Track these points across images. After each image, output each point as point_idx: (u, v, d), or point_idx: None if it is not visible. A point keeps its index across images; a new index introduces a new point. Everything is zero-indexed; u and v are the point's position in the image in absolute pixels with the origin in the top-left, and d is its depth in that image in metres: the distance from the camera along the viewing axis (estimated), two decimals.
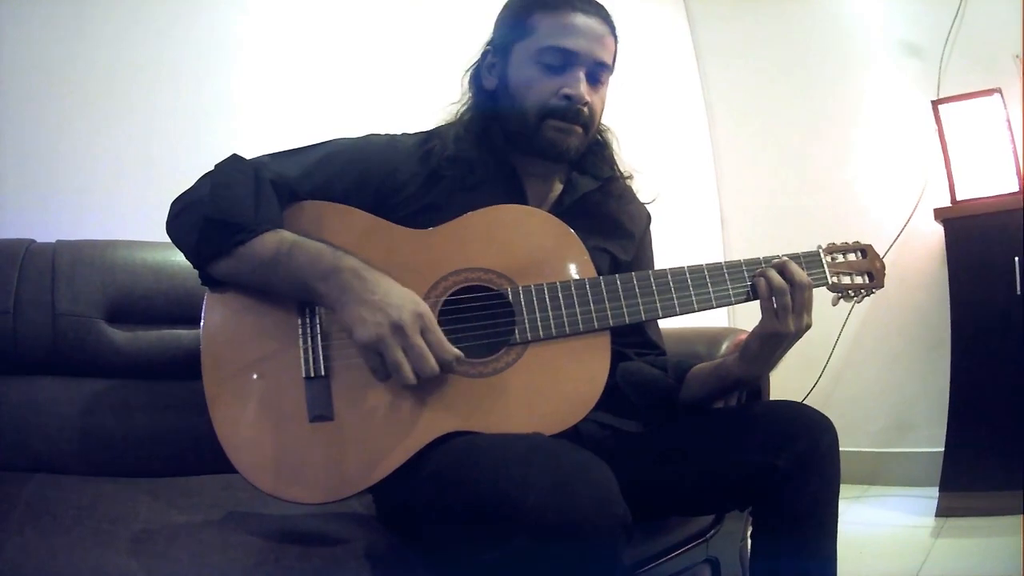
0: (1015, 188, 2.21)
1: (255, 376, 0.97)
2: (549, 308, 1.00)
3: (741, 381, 1.12)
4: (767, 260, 1.07)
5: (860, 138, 2.69)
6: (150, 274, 1.31)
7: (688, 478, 1.09)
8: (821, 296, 1.13)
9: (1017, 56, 2.37)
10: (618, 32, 1.16)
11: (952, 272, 2.23)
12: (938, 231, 2.33)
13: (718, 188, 3.04)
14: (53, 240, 1.31)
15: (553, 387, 0.99)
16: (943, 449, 2.19)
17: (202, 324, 0.99)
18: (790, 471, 1.01)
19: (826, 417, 1.08)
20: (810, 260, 1.11)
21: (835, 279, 1.13)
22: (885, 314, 2.60)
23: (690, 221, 2.86)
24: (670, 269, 1.06)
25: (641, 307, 1.03)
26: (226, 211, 0.98)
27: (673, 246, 1.50)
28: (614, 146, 1.25)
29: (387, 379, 0.92)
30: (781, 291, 1.03)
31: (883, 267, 1.18)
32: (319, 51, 1.90)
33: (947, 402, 2.21)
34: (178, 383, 1.28)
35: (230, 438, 0.95)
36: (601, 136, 1.23)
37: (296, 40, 1.86)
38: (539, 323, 1.00)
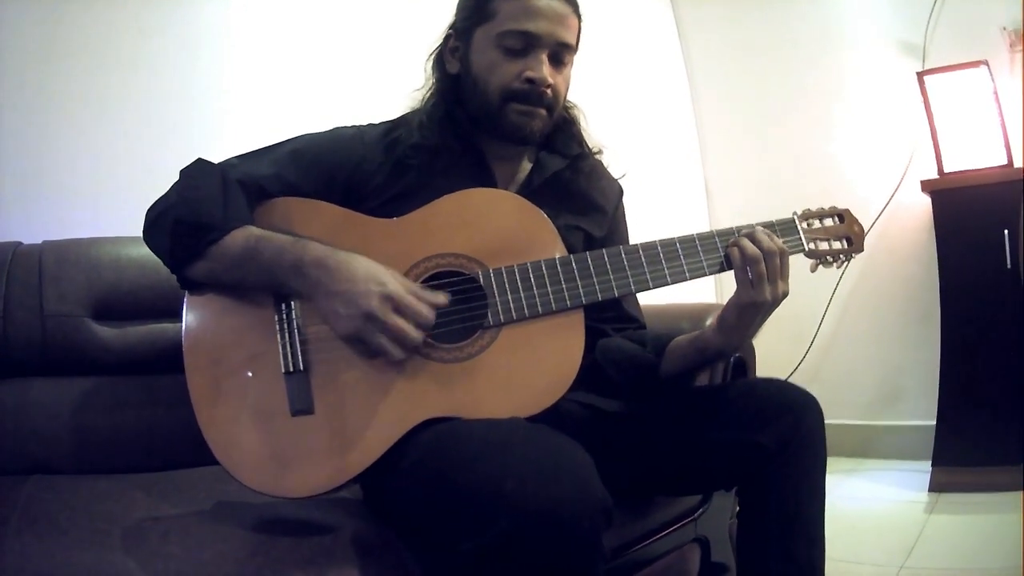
0: (1003, 160, 2.20)
1: (236, 375, 0.99)
2: (521, 289, 1.01)
3: (721, 352, 1.11)
4: (740, 230, 1.07)
5: (846, 111, 2.68)
6: (135, 269, 1.32)
7: (672, 457, 1.10)
8: (804, 267, 1.13)
9: (1004, 28, 2.36)
10: (581, 10, 1.15)
11: (940, 244, 2.24)
12: (925, 203, 2.32)
13: (703, 163, 3.02)
14: (40, 241, 1.32)
15: (529, 368, 1.00)
16: (935, 422, 2.20)
17: (183, 328, 1.01)
18: (773, 449, 1.02)
19: (809, 394, 1.09)
20: (785, 227, 1.11)
21: (812, 245, 1.13)
22: (873, 286, 2.61)
23: (676, 197, 2.86)
24: (641, 244, 1.06)
25: (614, 283, 1.03)
26: (195, 213, 0.99)
27: (659, 222, 1.50)
28: (581, 122, 1.24)
29: (374, 358, 0.95)
30: (755, 259, 1.02)
31: (862, 231, 1.18)
32: (305, 48, 1.89)
33: (937, 375, 2.22)
34: (167, 377, 1.28)
35: (217, 438, 0.97)
36: (568, 113, 1.23)
37: (282, 37, 1.86)
38: (511, 305, 1.00)
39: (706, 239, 1.07)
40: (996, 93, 2.24)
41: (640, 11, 2.90)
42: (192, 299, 1.02)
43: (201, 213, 0.99)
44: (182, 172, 1.07)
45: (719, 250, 1.07)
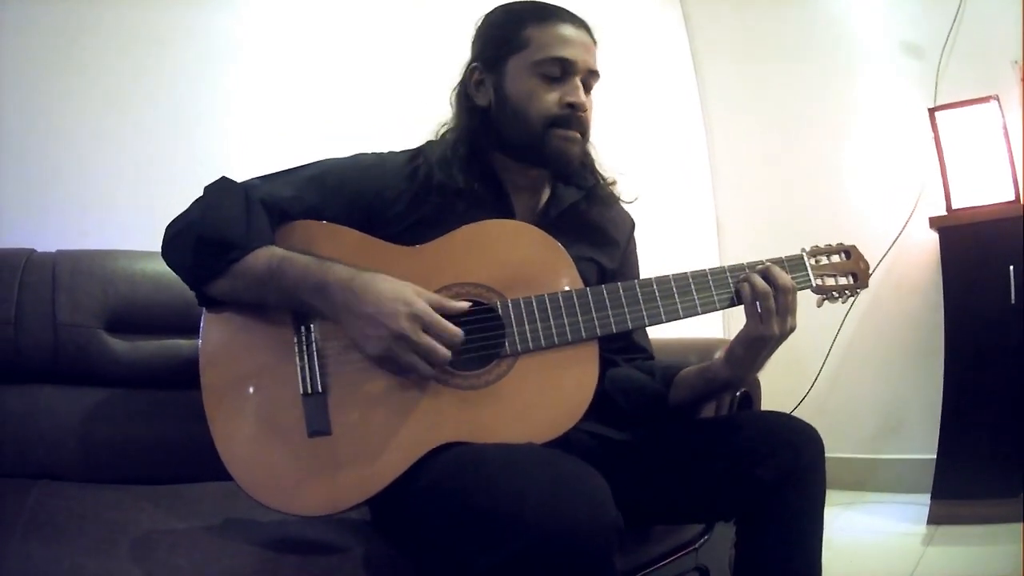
0: (1011, 197, 2.20)
1: (253, 393, 1.00)
2: (538, 320, 1.03)
3: (728, 383, 1.13)
4: (751, 265, 1.09)
5: (856, 145, 2.69)
6: (149, 284, 1.33)
7: (674, 488, 1.11)
8: (810, 301, 1.15)
9: (1016, 62, 2.37)
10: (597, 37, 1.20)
11: (946, 280, 2.23)
12: (933, 239, 2.33)
13: (714, 194, 3.04)
14: (53, 249, 1.33)
15: (544, 396, 1.01)
16: (935, 456, 2.20)
17: (200, 344, 1.02)
18: (774, 483, 1.03)
19: (811, 428, 1.10)
20: (794, 264, 1.13)
21: (819, 281, 1.14)
22: (879, 321, 2.61)
23: (686, 227, 2.87)
24: (656, 278, 1.08)
25: (628, 316, 1.05)
26: (218, 231, 1.00)
27: (670, 253, 1.52)
28: (593, 153, 1.26)
29: (406, 375, 0.98)
30: (765, 295, 1.04)
31: (867, 267, 1.19)
32: (318, 61, 1.91)
33: (940, 410, 2.21)
34: (177, 392, 1.29)
35: (232, 455, 0.98)
36: None
37: (295, 50, 1.88)
38: (528, 335, 1.02)
39: (717, 274, 1.09)
40: (1005, 128, 2.24)
41: (654, 39, 2.93)
42: (210, 316, 1.03)
43: (224, 231, 1.00)
44: (205, 189, 1.08)
45: (730, 285, 1.08)
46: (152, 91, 1.62)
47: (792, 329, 1.06)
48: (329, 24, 1.95)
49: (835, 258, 1.18)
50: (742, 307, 1.08)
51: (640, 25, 2.87)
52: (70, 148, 1.49)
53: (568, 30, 1.13)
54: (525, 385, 1.01)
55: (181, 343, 1.33)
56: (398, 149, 1.21)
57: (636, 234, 1.34)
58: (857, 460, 2.60)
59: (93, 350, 1.28)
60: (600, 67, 1.18)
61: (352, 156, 1.18)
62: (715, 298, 1.08)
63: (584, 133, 1.15)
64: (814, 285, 1.14)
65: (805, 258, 1.14)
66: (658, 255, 1.46)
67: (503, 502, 0.82)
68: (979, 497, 2.09)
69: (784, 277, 1.06)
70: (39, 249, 1.32)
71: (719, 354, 1.43)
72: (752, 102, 2.92)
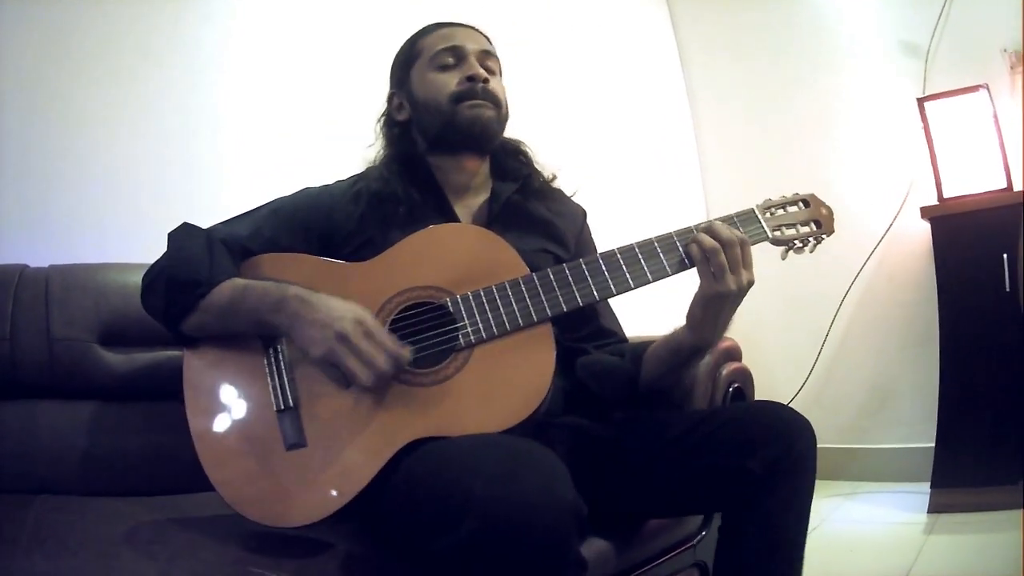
0: (1003, 184, 2.22)
1: (233, 417, 1.06)
2: (488, 311, 1.05)
3: (695, 349, 1.13)
4: (697, 227, 1.09)
5: (846, 136, 2.70)
6: None
7: (663, 481, 1.12)
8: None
9: (1004, 49, 2.37)
10: (494, 45, 1.29)
11: (939, 270, 2.25)
12: (925, 228, 2.34)
13: (703, 187, 3.05)
14: (46, 265, 1.33)
15: (504, 382, 1.03)
16: (934, 445, 2.21)
17: (183, 377, 1.08)
18: (761, 474, 1.03)
19: (803, 418, 1.10)
20: (744, 218, 1.13)
21: (777, 233, 1.14)
22: (873, 312, 2.62)
23: (677, 222, 2.87)
24: (602, 252, 1.10)
25: (577, 293, 1.07)
26: (185, 272, 1.08)
27: None
28: (529, 152, 1.34)
29: (349, 387, 1.02)
30: (714, 251, 1.04)
31: (830, 212, 1.18)
32: (307, 71, 1.92)
33: (936, 398, 2.23)
34: (172, 403, 1.26)
35: (219, 477, 1.02)
36: (511, 143, 1.33)
37: (284, 61, 1.88)
38: (480, 326, 1.05)
39: (664, 240, 1.10)
40: (996, 116, 2.25)
41: (640, 35, 2.94)
42: (189, 354, 1.10)
43: (190, 271, 1.07)
44: (170, 236, 1.15)
45: (678, 249, 1.09)
46: (142, 104, 1.62)
47: (750, 283, 1.07)
48: (318, 34, 1.96)
49: (792, 209, 1.17)
50: (687, 269, 1.08)
51: (626, 22, 2.87)
52: (59, 163, 1.49)
53: (453, 29, 1.25)
54: (484, 374, 1.03)
55: (174, 354, 1.31)
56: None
57: (618, 230, 1.35)
58: (855, 450, 2.61)
59: (88, 363, 1.29)
60: (496, 50, 1.27)
61: (300, 191, 1.26)
62: (665, 264, 1.08)
63: (494, 102, 1.22)
64: (771, 236, 1.14)
65: (756, 212, 1.15)
66: None
67: (455, 483, 0.83)
68: (979, 485, 2.10)
69: (728, 231, 1.06)
70: (31, 265, 1.33)
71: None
72: (740, 96, 2.93)
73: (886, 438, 2.60)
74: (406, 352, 0.99)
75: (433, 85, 1.22)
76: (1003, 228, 2.13)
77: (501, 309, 1.05)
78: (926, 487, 2.20)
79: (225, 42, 1.79)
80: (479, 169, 1.28)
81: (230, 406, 1.06)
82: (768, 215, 1.15)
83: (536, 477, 0.82)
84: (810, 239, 1.16)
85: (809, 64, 2.75)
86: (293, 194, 1.25)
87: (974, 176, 2.27)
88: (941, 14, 2.46)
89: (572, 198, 1.38)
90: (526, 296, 1.06)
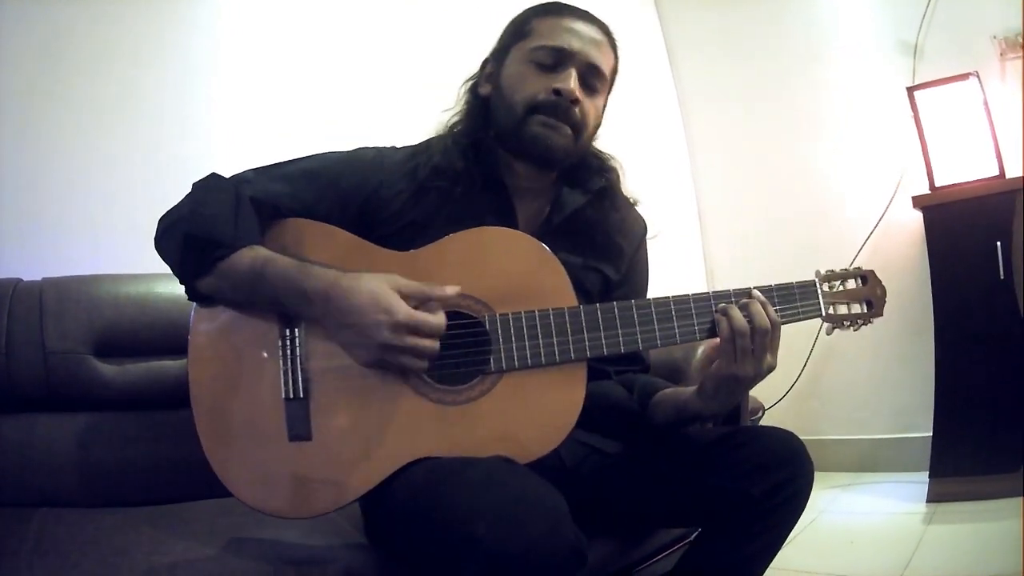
0: (995, 171, 2.21)
1: (239, 393, 1.00)
2: (525, 338, 1.00)
3: (699, 415, 1.09)
4: (737, 293, 1.03)
5: (836, 128, 2.70)
6: (134, 307, 1.34)
7: (666, 499, 1.10)
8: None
9: (994, 36, 2.37)
10: (619, 50, 1.17)
11: (933, 259, 2.24)
12: (917, 218, 2.33)
13: (695, 184, 3.04)
14: (39, 278, 1.34)
15: (526, 417, 0.99)
16: (931, 434, 2.21)
17: (189, 340, 1.02)
18: (760, 498, 1.02)
19: (806, 451, 1.07)
20: (805, 291, 1.07)
21: (831, 309, 1.09)
22: None
23: (669, 219, 2.86)
24: (654, 299, 1.04)
25: (621, 339, 1.02)
26: (205, 229, 0.98)
27: (653, 247, 1.52)
28: (619, 171, 1.23)
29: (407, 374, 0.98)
30: (742, 332, 0.99)
31: (884, 294, 1.13)
32: (299, 72, 1.91)
33: (932, 388, 2.22)
34: (168, 412, 1.31)
35: (216, 453, 0.99)
36: (596, 157, 1.22)
37: (276, 63, 1.88)
38: (515, 353, 1.00)
39: (701, 300, 1.04)
40: (987, 103, 2.25)
41: (628, 30, 2.87)
42: (199, 313, 1.03)
43: (211, 229, 0.98)
44: (195, 185, 1.06)
45: (713, 313, 1.03)
46: (134, 113, 1.62)
47: (770, 369, 1.01)
48: (309, 35, 1.95)
49: (850, 283, 1.12)
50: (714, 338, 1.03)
51: (613, 18, 2.86)
52: (50, 177, 1.49)
53: (573, 23, 1.11)
54: (507, 405, 0.99)
55: (168, 364, 1.34)
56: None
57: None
58: (852, 441, 2.61)
59: (83, 376, 1.29)
60: (614, 75, 1.15)
61: (351, 151, 1.16)
62: (695, 327, 1.03)
63: (574, 125, 1.09)
64: (824, 315, 1.09)
65: (818, 285, 1.09)
66: None
67: (458, 523, 0.81)
68: (978, 473, 2.10)
69: (762, 315, 1.00)
70: (25, 278, 1.33)
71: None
72: (729, 90, 2.92)
73: (883, 428, 2.59)
74: (442, 322, 0.95)
75: (521, 80, 1.09)
76: (996, 216, 2.12)
77: (540, 339, 0.99)
78: (924, 476, 2.19)
79: (215, 44, 1.78)
80: (543, 176, 1.17)
81: (236, 382, 1.00)
82: (826, 288, 1.10)
83: (540, 520, 0.82)
84: (859, 320, 1.12)
85: (798, 56, 2.74)
86: (342, 154, 1.15)
87: (966, 164, 2.26)
88: (929, 3, 2.46)
89: (636, 205, 1.28)
90: (568, 331, 1.00)
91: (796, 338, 2.65)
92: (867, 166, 2.62)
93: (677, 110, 3.05)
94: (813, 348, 2.64)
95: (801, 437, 1.10)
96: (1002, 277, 2.09)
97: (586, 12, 1.14)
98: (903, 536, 1.95)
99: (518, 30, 1.14)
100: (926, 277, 2.26)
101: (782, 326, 1.03)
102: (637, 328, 1.02)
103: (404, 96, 2.02)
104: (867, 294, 1.13)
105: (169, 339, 1.30)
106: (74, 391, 1.29)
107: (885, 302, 1.14)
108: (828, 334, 1.12)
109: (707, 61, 2.98)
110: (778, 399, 2.61)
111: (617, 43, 1.16)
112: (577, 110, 1.09)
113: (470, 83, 1.19)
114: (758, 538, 1.04)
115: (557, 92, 1.07)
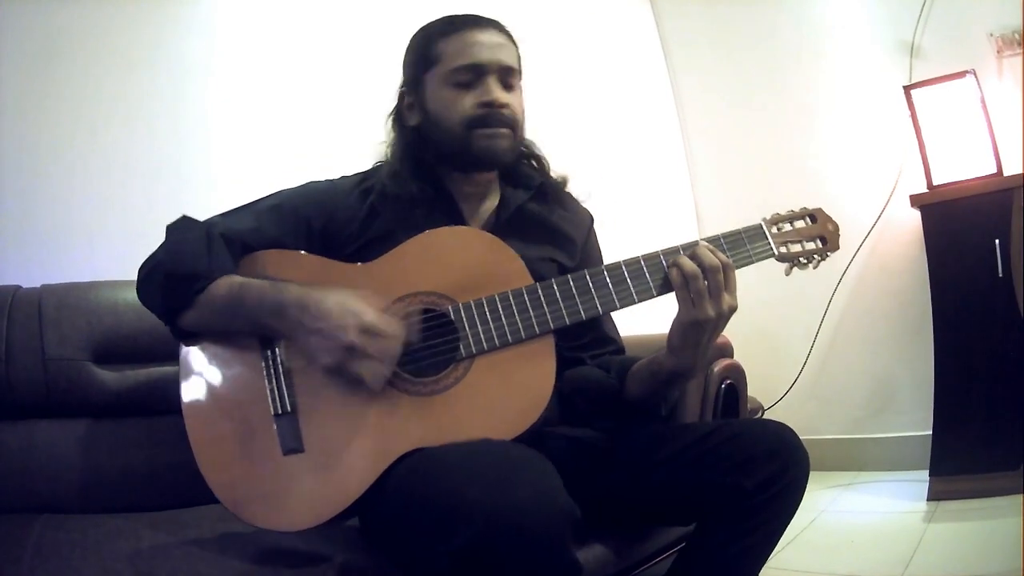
0: (992, 169, 2.21)
1: (231, 419, 1.04)
2: (490, 320, 1.05)
3: (674, 373, 1.10)
4: (685, 247, 1.07)
5: (833, 127, 2.70)
6: (133, 313, 1.33)
7: (657, 491, 1.11)
8: (791, 281, 1.12)
9: (991, 34, 2.38)
10: (517, 39, 1.22)
11: (931, 257, 2.24)
12: (915, 217, 2.33)
13: (691, 181, 3.05)
14: (38, 285, 1.34)
15: (504, 394, 1.03)
16: (931, 432, 2.21)
17: (180, 379, 1.07)
18: (753, 491, 1.03)
19: (802, 445, 1.08)
20: (752, 234, 1.12)
21: (783, 249, 1.13)
22: (866, 302, 2.62)
23: (666, 215, 2.88)
24: (606, 265, 1.08)
25: (581, 306, 1.05)
26: (182, 265, 1.06)
27: (649, 241, 1.53)
28: (540, 152, 1.30)
29: (359, 385, 1.00)
30: (693, 275, 1.02)
31: (836, 228, 1.17)
32: (293, 78, 1.92)
33: (932, 386, 2.22)
34: (167, 418, 1.29)
35: (216, 480, 1.02)
36: (526, 147, 1.29)
37: (270, 69, 1.88)
38: (482, 336, 1.04)
39: (651, 259, 1.08)
40: (984, 101, 2.25)
41: (624, 29, 2.94)
42: (187, 351, 1.08)
43: (188, 265, 1.05)
44: (168, 228, 1.14)
45: (664, 269, 1.07)
46: (129, 119, 1.62)
47: (731, 309, 1.04)
48: (305, 39, 1.96)
49: (799, 223, 1.16)
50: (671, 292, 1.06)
51: (609, 17, 2.87)
52: (47, 184, 1.50)
53: (475, 35, 1.17)
54: (483, 385, 1.03)
55: (168, 369, 1.33)
56: (350, 173, 1.27)
57: (606, 226, 1.35)
58: (852, 440, 2.61)
59: (83, 382, 1.30)
60: (521, 65, 1.21)
61: (304, 184, 1.24)
62: (651, 284, 1.07)
63: (511, 127, 1.17)
64: (777, 253, 1.13)
65: (764, 227, 1.13)
66: (640, 245, 1.46)
67: (451, 491, 0.84)
68: (978, 471, 2.10)
69: (710, 256, 1.03)
70: (24, 285, 1.34)
71: None
72: (726, 88, 2.93)
73: (883, 427, 2.60)
74: (401, 329, 0.99)
75: (448, 105, 1.16)
76: (994, 213, 2.12)
77: (503, 319, 1.04)
78: (925, 475, 2.20)
79: (209, 50, 1.78)
80: (489, 179, 1.25)
81: (227, 409, 1.05)
82: (775, 230, 1.14)
83: (531, 482, 0.84)
84: (815, 256, 1.15)
85: (795, 54, 2.75)
86: (297, 188, 1.22)
87: (963, 162, 2.26)
88: (926, 1, 2.46)
89: (583, 202, 1.35)
90: (529, 307, 1.05)
91: (796, 338, 2.67)
92: (864, 165, 2.62)
93: (673, 109, 3.05)
94: (813, 348, 2.66)
95: (801, 437, 1.10)
96: (1001, 275, 2.09)
97: (478, 17, 1.20)
98: (904, 535, 1.95)
99: (425, 56, 1.20)
100: (925, 276, 2.27)
101: (737, 269, 1.07)
102: (594, 294, 1.06)
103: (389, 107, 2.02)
104: (819, 231, 1.16)
105: (167, 345, 1.26)
106: (73, 397, 1.30)
107: (839, 235, 1.17)
108: (787, 274, 1.15)
109: (703, 59, 2.98)
110: (778, 399, 2.62)
111: (512, 34, 1.22)
112: (508, 112, 1.16)
113: (392, 115, 1.27)
114: (753, 532, 1.05)
115: (487, 104, 1.14)
